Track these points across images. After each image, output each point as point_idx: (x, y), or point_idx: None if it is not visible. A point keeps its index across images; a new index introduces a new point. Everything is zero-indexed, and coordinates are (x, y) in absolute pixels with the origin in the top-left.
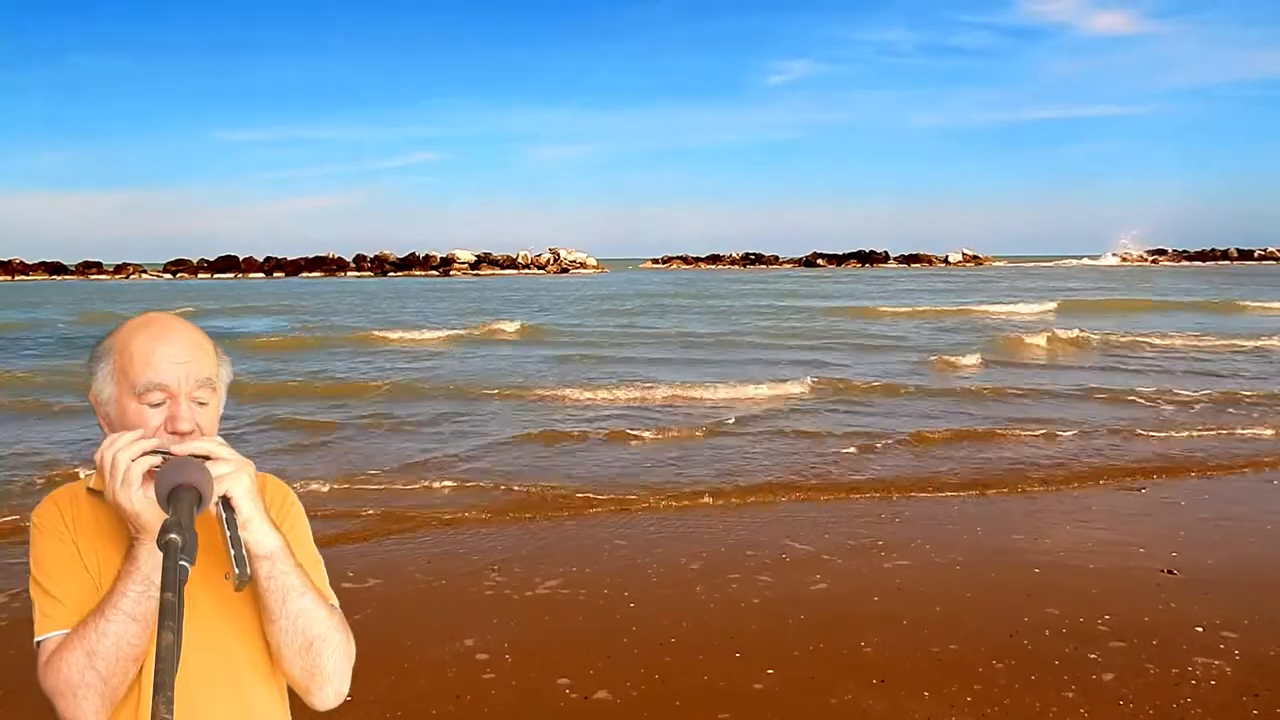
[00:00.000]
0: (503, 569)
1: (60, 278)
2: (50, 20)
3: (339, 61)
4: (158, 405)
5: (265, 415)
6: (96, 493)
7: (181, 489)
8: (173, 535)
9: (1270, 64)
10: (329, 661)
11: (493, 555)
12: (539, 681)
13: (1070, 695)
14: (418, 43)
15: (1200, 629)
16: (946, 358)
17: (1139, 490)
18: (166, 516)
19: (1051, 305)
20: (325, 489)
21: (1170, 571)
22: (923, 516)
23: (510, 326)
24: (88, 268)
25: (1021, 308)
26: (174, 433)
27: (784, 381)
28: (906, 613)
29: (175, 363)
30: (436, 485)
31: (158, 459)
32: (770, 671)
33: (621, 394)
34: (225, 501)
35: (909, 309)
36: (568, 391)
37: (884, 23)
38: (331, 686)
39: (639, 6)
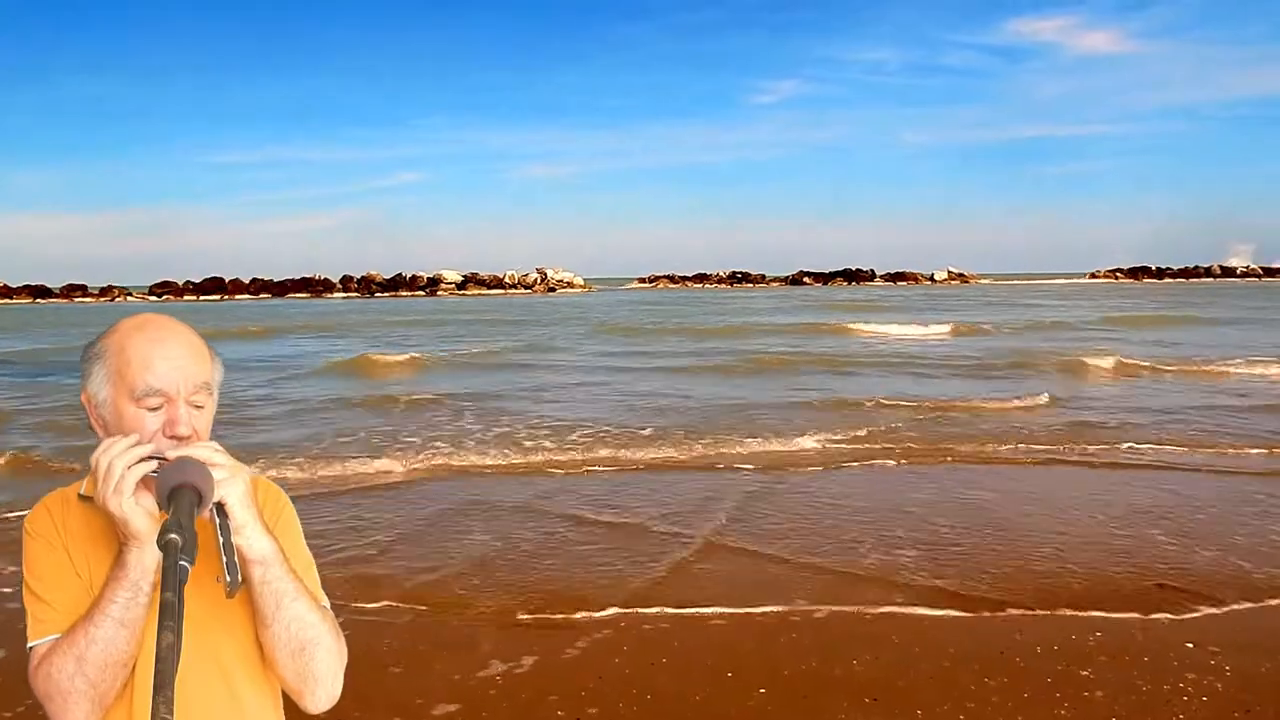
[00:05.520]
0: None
1: (45, 301)
2: (36, 41)
3: (323, 83)
4: (155, 409)
5: None
6: (88, 499)
7: (182, 488)
8: (173, 535)
9: (1256, 84)
10: (321, 665)
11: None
12: (530, 700)
13: (1062, 713)
14: (402, 63)
15: (1191, 645)
16: None
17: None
18: (164, 518)
19: None
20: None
21: (1162, 586)
22: (912, 536)
23: None
24: (72, 290)
25: None
26: (172, 437)
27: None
28: (898, 631)
29: (174, 367)
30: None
31: (153, 465)
32: (762, 691)
33: None
34: (219, 507)
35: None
36: None
37: (871, 43)
38: (324, 690)
39: (625, 26)
